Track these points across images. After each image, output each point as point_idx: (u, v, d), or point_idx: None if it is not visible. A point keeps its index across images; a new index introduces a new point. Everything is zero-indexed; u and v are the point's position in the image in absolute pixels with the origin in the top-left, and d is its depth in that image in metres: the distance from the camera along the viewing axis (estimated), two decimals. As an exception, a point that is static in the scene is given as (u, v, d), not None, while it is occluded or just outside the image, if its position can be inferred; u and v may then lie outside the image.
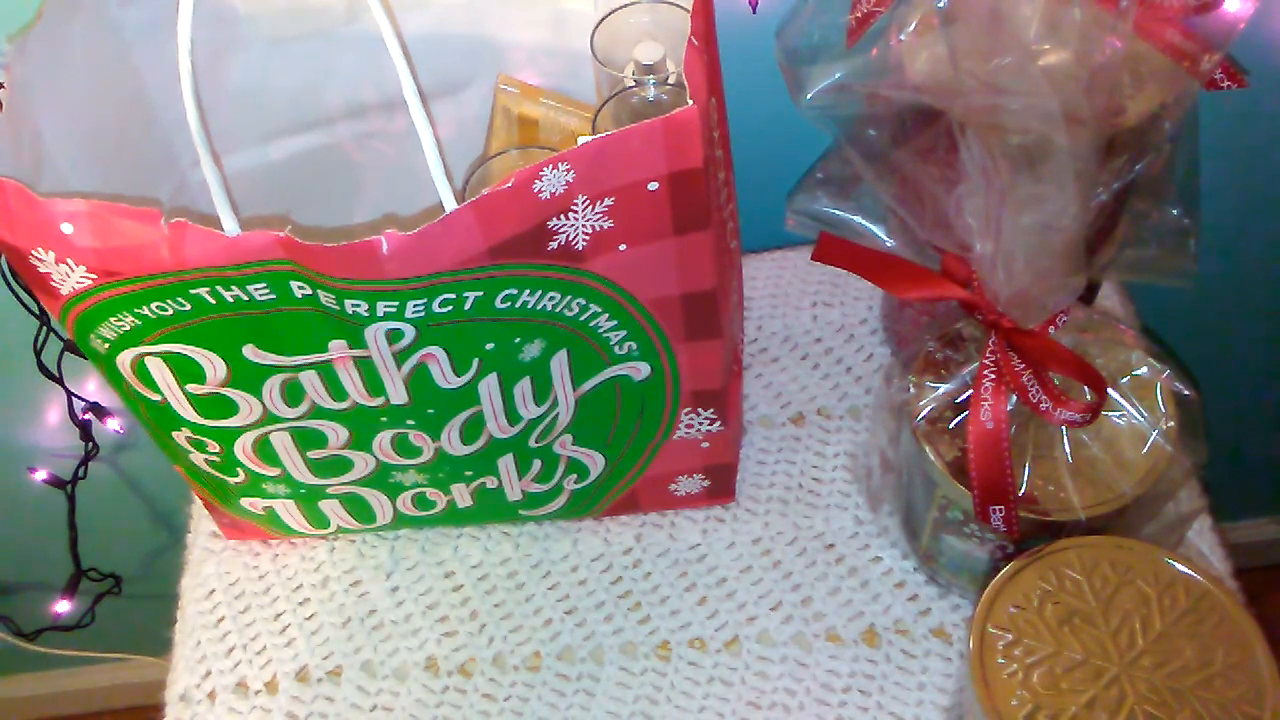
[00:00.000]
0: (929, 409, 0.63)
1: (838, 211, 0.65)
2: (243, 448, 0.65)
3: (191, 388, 0.61)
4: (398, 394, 0.61)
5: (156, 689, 0.74)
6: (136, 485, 1.11)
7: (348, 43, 0.70)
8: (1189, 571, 0.57)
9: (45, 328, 0.84)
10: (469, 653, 0.71)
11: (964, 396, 0.62)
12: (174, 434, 0.65)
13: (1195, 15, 0.54)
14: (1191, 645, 0.55)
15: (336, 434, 0.64)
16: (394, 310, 0.55)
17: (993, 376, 0.59)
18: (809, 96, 0.61)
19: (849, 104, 0.60)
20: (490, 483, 0.69)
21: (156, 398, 0.62)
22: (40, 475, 1.01)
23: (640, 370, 0.63)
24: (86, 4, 0.64)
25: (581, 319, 0.59)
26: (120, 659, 1.22)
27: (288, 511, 0.72)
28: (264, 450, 0.66)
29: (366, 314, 0.55)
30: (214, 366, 0.59)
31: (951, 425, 0.63)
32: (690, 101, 0.51)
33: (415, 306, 0.54)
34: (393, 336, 0.56)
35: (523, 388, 0.62)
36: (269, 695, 0.71)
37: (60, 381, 0.89)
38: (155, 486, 1.12)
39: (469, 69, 0.72)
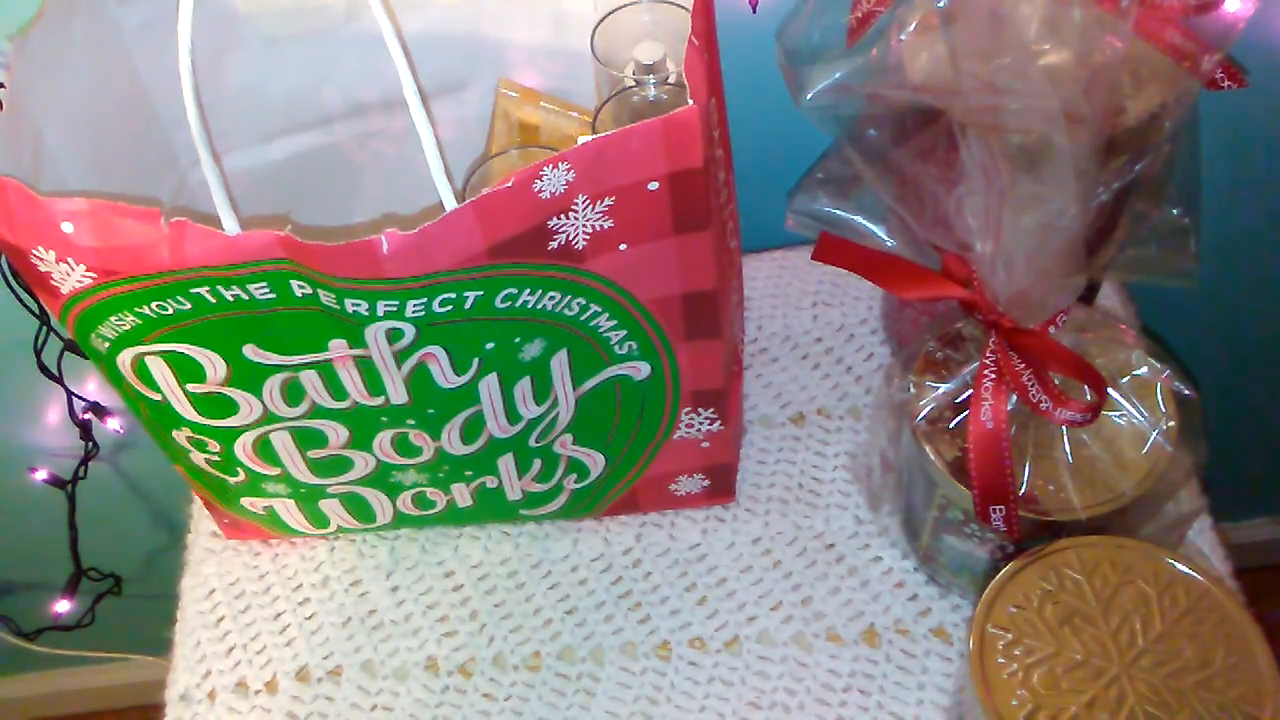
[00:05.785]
0: (929, 409, 0.63)
1: (838, 211, 0.65)
2: (243, 447, 0.65)
3: (192, 387, 0.61)
4: (398, 393, 0.61)
5: (156, 689, 0.74)
6: (136, 485, 1.11)
7: (347, 43, 0.70)
8: (1189, 571, 0.57)
9: (45, 327, 0.84)
10: (469, 653, 0.71)
11: (964, 396, 0.62)
12: (174, 433, 0.65)
13: (1195, 15, 0.54)
14: (1191, 645, 0.55)
15: (336, 433, 0.64)
16: (394, 310, 0.55)
17: (993, 376, 0.59)
18: (809, 96, 0.60)
19: (849, 104, 0.60)
20: (490, 482, 0.69)
21: (157, 397, 0.62)
22: (40, 475, 1.01)
23: (640, 370, 0.63)
24: (86, 4, 0.64)
25: (581, 319, 0.59)
26: (120, 659, 1.22)
27: (288, 511, 0.72)
28: (264, 450, 0.66)
29: (366, 313, 0.55)
30: (214, 366, 0.59)
31: (951, 425, 0.63)
32: (690, 101, 0.51)
33: (415, 306, 0.54)
34: (393, 336, 0.56)
35: (523, 387, 0.62)
36: (269, 695, 0.71)
37: (60, 381, 0.89)
38: (155, 486, 1.12)
39: (469, 69, 0.72)
